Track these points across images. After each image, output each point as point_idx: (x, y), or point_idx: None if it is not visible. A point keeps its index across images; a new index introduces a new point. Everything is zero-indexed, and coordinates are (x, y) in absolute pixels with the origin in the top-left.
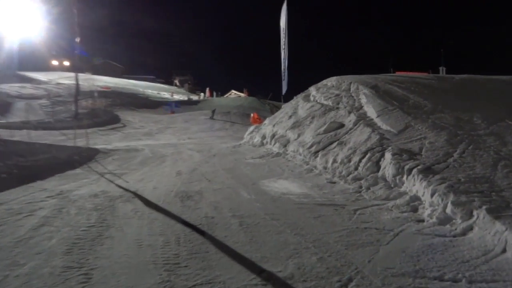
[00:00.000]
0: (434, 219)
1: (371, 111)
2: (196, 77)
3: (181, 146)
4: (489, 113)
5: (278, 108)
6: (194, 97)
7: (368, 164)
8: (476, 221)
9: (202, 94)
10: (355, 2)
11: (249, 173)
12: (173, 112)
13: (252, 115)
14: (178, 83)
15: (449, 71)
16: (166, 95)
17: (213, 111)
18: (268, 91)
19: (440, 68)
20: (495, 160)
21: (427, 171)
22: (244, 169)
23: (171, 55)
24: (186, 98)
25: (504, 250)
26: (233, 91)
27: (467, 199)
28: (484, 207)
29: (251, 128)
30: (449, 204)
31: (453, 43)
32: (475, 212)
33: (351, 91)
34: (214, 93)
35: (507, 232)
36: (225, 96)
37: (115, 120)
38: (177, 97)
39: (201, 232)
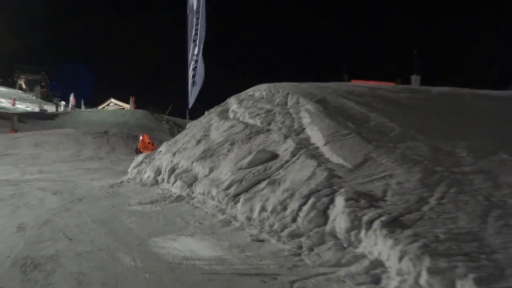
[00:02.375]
0: None
1: (316, 136)
2: (56, 78)
3: (26, 184)
4: (477, 142)
5: (182, 127)
6: (51, 108)
7: (312, 214)
8: None
9: (63, 103)
10: None
11: (134, 227)
12: (15, 131)
13: (141, 137)
14: (24, 85)
15: (425, 81)
16: (3, 103)
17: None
18: (168, 102)
19: (413, 77)
20: (485, 209)
21: (394, 224)
22: (127, 221)
23: (16, 38)
24: (37, 109)
25: None
26: (112, 100)
27: (448, 264)
28: (471, 275)
29: (140, 157)
30: (423, 272)
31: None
32: (459, 283)
33: (288, 106)
34: (82, 103)
35: None
36: (100, 107)
37: None
38: (21, 106)
39: None
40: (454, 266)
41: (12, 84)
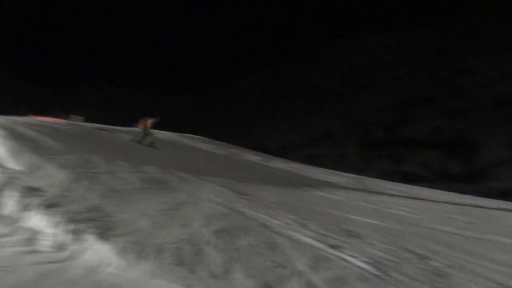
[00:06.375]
0: (51, 248)
1: (2, 152)
2: None
3: None
4: (108, 155)
5: None
6: None
7: None
8: (88, 244)
9: None
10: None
11: None
12: None
13: None
14: None
15: (89, 121)
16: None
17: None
18: None
19: (72, 116)
20: (108, 193)
21: (51, 206)
22: None
23: None
24: None
25: (108, 265)
26: None
27: (82, 227)
28: (95, 232)
29: None
30: (65, 233)
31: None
32: (88, 237)
33: None
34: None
35: (109, 251)
36: None
37: None
38: None
39: None
40: (86, 227)
41: None
